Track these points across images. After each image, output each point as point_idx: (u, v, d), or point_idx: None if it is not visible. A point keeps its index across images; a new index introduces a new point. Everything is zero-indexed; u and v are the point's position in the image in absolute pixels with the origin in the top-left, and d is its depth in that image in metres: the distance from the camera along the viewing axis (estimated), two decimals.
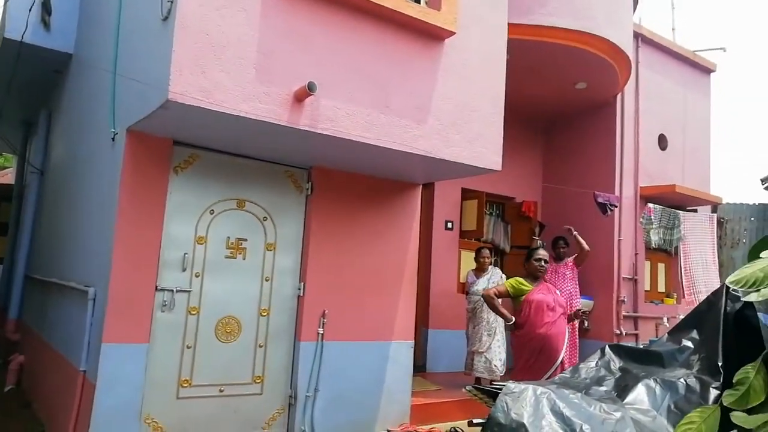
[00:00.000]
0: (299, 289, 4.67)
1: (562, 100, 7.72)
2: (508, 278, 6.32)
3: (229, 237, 4.39)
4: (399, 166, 4.66)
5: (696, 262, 7.99)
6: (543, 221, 8.23)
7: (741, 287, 1.59)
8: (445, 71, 4.35)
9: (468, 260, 7.32)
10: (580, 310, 5.83)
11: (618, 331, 7.42)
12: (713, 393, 2.10)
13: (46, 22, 5.77)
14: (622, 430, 2.00)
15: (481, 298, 6.09)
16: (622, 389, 2.30)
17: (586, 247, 6.44)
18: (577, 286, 6.71)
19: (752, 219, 10.38)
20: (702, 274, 7.97)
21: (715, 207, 9.12)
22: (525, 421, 2.02)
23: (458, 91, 4.42)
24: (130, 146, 3.97)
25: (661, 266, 8.40)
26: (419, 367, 6.59)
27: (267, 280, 4.54)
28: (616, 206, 7.24)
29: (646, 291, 8.01)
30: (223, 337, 4.33)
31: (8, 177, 12.83)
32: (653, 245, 7.89)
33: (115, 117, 4.23)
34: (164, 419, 4.06)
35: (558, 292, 5.14)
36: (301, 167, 4.75)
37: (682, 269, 7.90)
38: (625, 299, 7.58)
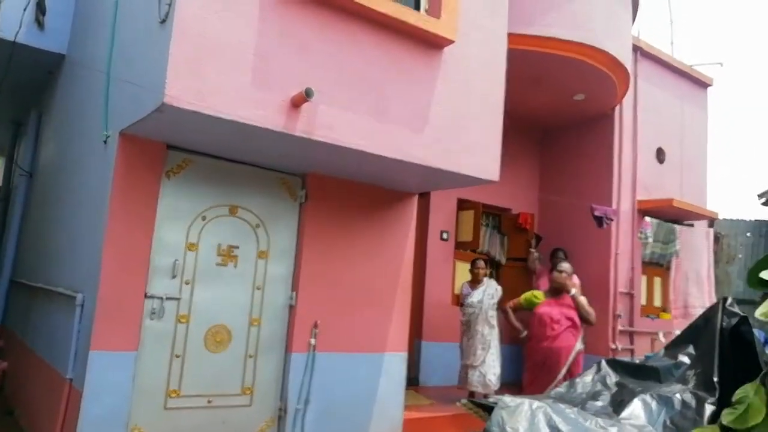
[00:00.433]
0: (291, 298, 4.60)
1: (560, 111, 7.72)
2: (504, 290, 6.35)
3: (220, 244, 4.33)
4: (395, 175, 4.62)
5: (689, 277, 7.96)
6: (540, 233, 8.20)
7: None
8: (443, 80, 4.32)
9: (463, 272, 7.27)
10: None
11: (614, 346, 7.37)
12: (709, 409, 2.08)
13: (40, 22, 5.73)
14: None
15: (476, 311, 6.06)
16: (618, 404, 2.27)
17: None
18: None
19: (748, 235, 10.39)
20: (695, 290, 7.94)
21: (711, 222, 9.12)
22: None
23: (457, 100, 4.39)
24: (123, 149, 3.92)
25: (657, 280, 8.38)
26: (412, 380, 6.51)
27: (258, 289, 4.48)
28: (613, 219, 7.22)
29: (642, 305, 7.97)
30: (213, 346, 4.25)
31: None
32: (649, 259, 7.86)
33: (107, 120, 4.18)
34: (152, 429, 3.97)
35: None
36: (296, 174, 4.71)
37: (672, 283, 7.86)
38: (621, 314, 7.53)
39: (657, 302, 8.37)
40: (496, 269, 8.03)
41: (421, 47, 4.21)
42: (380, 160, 4.13)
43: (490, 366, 5.95)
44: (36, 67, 6.31)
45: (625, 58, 6.85)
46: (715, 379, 2.14)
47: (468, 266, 6.64)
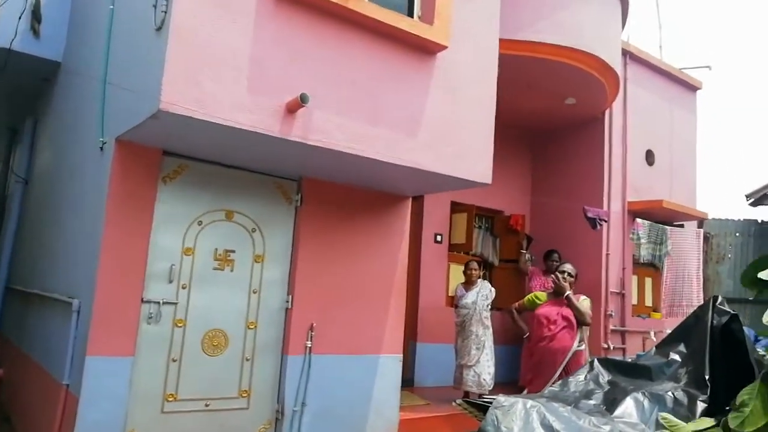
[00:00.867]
0: (287, 301, 4.64)
1: (551, 115, 7.80)
2: (497, 291, 6.41)
3: (216, 248, 4.35)
4: (390, 179, 4.66)
5: (678, 276, 8.05)
6: (531, 234, 8.27)
7: None
8: (436, 85, 4.38)
9: (457, 273, 7.32)
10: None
11: (606, 345, 7.44)
12: (700, 406, 2.12)
13: (35, 29, 5.74)
14: None
15: (470, 312, 6.12)
16: (611, 402, 2.31)
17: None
18: None
19: (737, 234, 10.52)
20: (681, 289, 8.04)
21: (701, 222, 9.22)
22: None
23: (449, 105, 4.44)
24: (119, 156, 3.94)
25: (648, 280, 8.46)
26: (407, 381, 6.54)
27: (255, 293, 4.50)
28: (606, 221, 7.29)
29: (633, 305, 8.05)
30: (210, 350, 4.28)
31: None
32: (642, 260, 7.94)
33: (104, 126, 4.20)
34: None
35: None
36: (291, 178, 4.74)
37: (664, 283, 7.95)
38: (613, 313, 7.61)
39: (648, 302, 8.46)
40: (489, 271, 8.09)
41: (415, 53, 4.26)
42: (374, 164, 4.18)
43: (484, 366, 6.01)
44: (31, 75, 6.31)
45: (615, 62, 6.94)
46: (707, 377, 2.18)
47: (461, 268, 6.69)
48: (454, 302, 6.61)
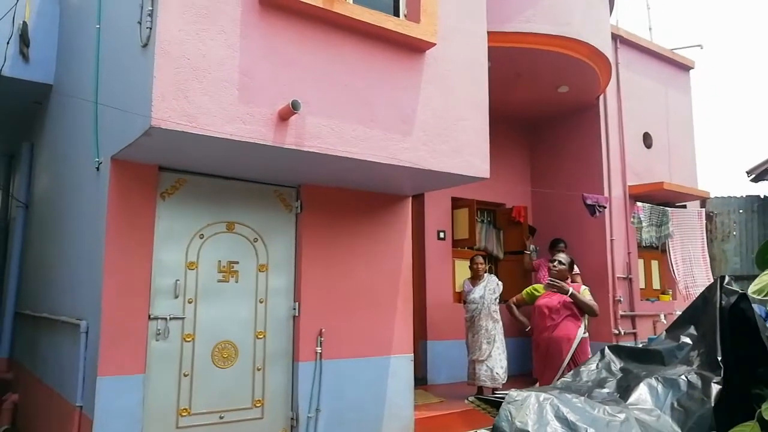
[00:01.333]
0: (294, 309, 4.63)
1: (545, 104, 7.78)
2: (503, 284, 6.40)
3: (220, 260, 4.35)
4: (387, 180, 4.65)
5: (684, 257, 8.03)
6: (534, 225, 8.25)
7: (764, 296, 1.60)
8: (428, 82, 4.37)
9: (462, 269, 7.31)
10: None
11: (616, 331, 7.42)
12: (715, 388, 2.10)
13: (24, 54, 5.75)
14: (627, 431, 1.98)
15: (479, 306, 6.11)
16: (625, 390, 2.29)
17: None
18: None
19: (740, 211, 10.48)
20: (691, 269, 8.01)
21: (703, 202, 9.20)
22: (530, 429, 1.99)
23: (442, 102, 4.43)
24: (115, 174, 3.94)
25: (654, 263, 8.44)
26: (420, 380, 6.54)
27: (261, 302, 4.50)
28: (605, 207, 7.27)
29: (641, 289, 8.04)
30: (221, 362, 4.27)
31: None
32: (644, 243, 7.92)
33: (98, 146, 4.20)
34: None
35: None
36: (290, 186, 4.74)
37: (673, 265, 7.93)
38: (622, 299, 7.59)
39: (656, 285, 8.44)
40: (494, 264, 8.07)
41: (403, 52, 4.25)
42: (371, 166, 4.17)
43: (496, 360, 6.00)
44: (24, 99, 6.32)
45: (605, 47, 6.92)
46: (719, 358, 2.16)
47: (466, 263, 6.68)
48: (461, 298, 6.60)
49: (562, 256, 5.07)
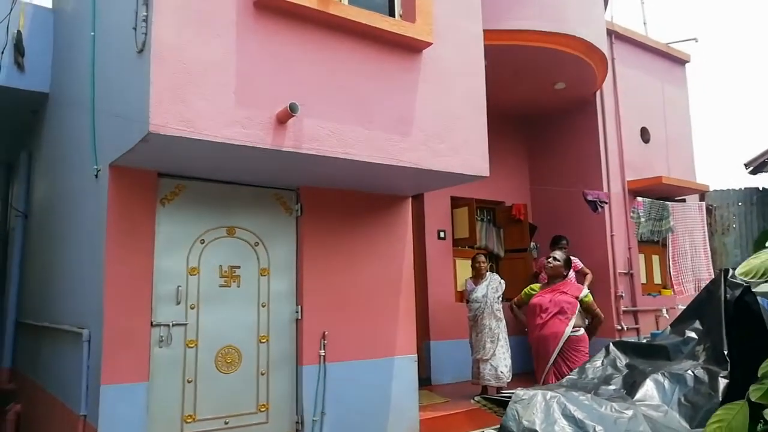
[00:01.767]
0: (297, 312, 4.62)
1: (542, 101, 7.79)
2: (506, 282, 6.39)
3: (221, 265, 4.34)
4: (387, 180, 4.65)
5: (685, 251, 8.02)
6: (534, 223, 8.25)
7: (750, 278, 1.60)
8: (425, 82, 4.36)
9: (463, 268, 7.30)
10: None
11: (619, 327, 7.42)
12: (722, 383, 2.09)
13: (19, 63, 5.74)
14: (635, 428, 1.97)
15: (482, 305, 6.10)
16: (631, 386, 2.28)
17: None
18: None
19: (740, 204, 10.47)
20: (692, 263, 8.00)
21: (702, 195, 9.20)
22: (537, 428, 1.99)
23: (440, 101, 4.43)
24: (114, 182, 3.92)
25: (655, 258, 8.44)
26: (424, 380, 6.52)
27: (263, 306, 4.49)
28: (606, 203, 7.27)
29: (642, 284, 8.03)
30: (224, 367, 4.26)
31: None
32: (643, 238, 7.92)
33: (96, 153, 4.19)
34: None
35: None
36: (289, 188, 4.73)
37: (670, 260, 7.93)
38: (623, 294, 7.59)
39: (657, 280, 8.44)
40: (495, 262, 8.07)
41: (400, 52, 4.24)
42: (370, 167, 4.16)
43: (500, 359, 5.98)
44: (20, 108, 6.31)
45: (601, 42, 6.92)
46: (725, 352, 2.15)
47: (467, 263, 6.67)
48: (464, 297, 6.59)
49: (557, 253, 5.09)
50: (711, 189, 9.26)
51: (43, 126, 6.40)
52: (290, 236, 4.69)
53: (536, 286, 5.16)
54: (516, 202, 8.12)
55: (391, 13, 4.36)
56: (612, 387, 2.33)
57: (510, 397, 2.17)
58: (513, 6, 6.27)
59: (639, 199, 7.83)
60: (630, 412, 2.01)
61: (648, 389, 2.17)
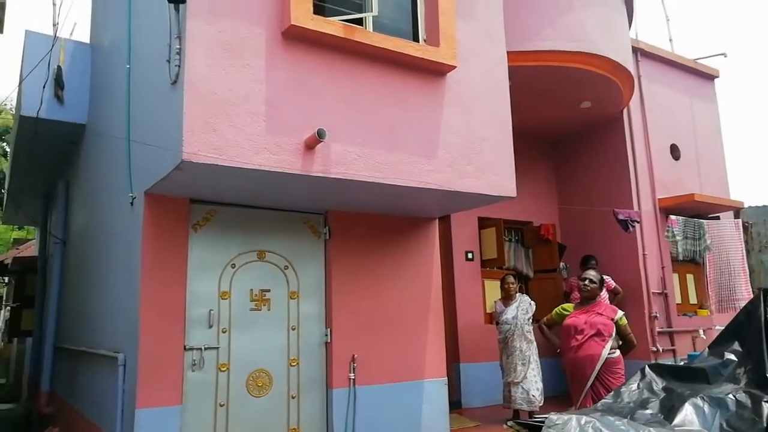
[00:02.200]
0: (326, 335, 4.63)
1: (569, 120, 7.75)
2: (536, 303, 6.29)
3: (252, 289, 4.40)
4: (414, 202, 4.67)
5: (722, 270, 7.80)
6: (563, 242, 8.14)
7: None
8: (450, 104, 4.40)
9: (492, 290, 7.23)
10: None
11: (654, 348, 7.22)
12: (766, 407, 2.02)
13: (59, 96, 5.99)
14: None
15: (512, 327, 6.02)
16: (669, 410, 2.22)
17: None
18: None
19: None
20: (729, 283, 7.76)
21: (737, 212, 8.96)
22: None
23: (465, 123, 4.46)
24: (149, 209, 4.04)
25: (690, 277, 8.22)
26: (455, 404, 6.43)
27: (293, 330, 4.52)
28: (638, 221, 7.15)
29: (677, 304, 7.82)
30: (255, 391, 4.29)
31: (32, 249, 13.03)
32: (681, 257, 7.72)
33: (132, 181, 4.32)
34: None
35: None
36: (318, 213, 4.78)
37: (708, 279, 7.71)
38: (658, 314, 7.39)
39: (693, 299, 8.20)
40: (525, 283, 7.97)
41: (425, 76, 4.30)
42: (397, 190, 4.19)
43: (532, 382, 5.87)
44: (59, 139, 6.57)
45: (626, 60, 6.88)
46: None
47: (496, 284, 6.60)
48: (494, 319, 6.52)
49: (591, 274, 4.94)
50: (746, 205, 9.02)
51: (80, 156, 6.64)
52: (319, 259, 4.73)
53: (569, 306, 5.03)
54: (544, 222, 8.04)
55: (415, 38, 4.43)
56: (649, 411, 2.28)
57: (543, 422, 2.13)
58: (536, 27, 6.30)
59: (672, 217, 7.67)
60: None
61: (687, 414, 2.11)
